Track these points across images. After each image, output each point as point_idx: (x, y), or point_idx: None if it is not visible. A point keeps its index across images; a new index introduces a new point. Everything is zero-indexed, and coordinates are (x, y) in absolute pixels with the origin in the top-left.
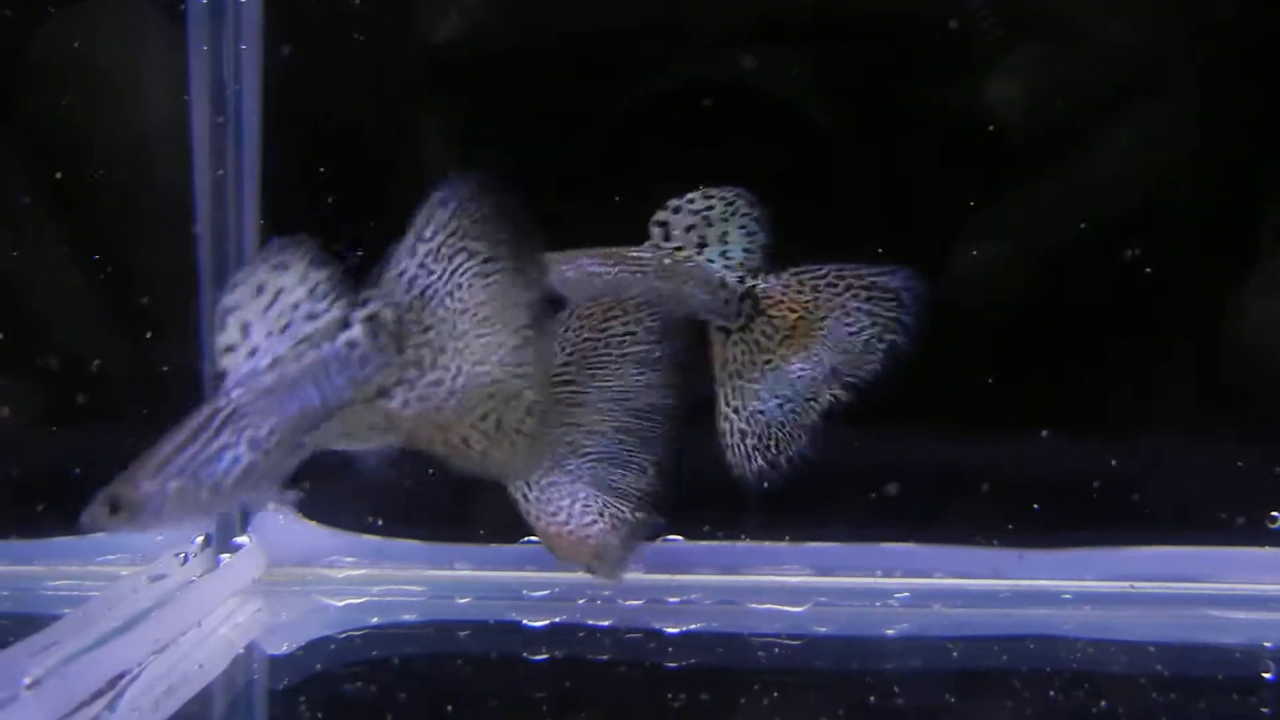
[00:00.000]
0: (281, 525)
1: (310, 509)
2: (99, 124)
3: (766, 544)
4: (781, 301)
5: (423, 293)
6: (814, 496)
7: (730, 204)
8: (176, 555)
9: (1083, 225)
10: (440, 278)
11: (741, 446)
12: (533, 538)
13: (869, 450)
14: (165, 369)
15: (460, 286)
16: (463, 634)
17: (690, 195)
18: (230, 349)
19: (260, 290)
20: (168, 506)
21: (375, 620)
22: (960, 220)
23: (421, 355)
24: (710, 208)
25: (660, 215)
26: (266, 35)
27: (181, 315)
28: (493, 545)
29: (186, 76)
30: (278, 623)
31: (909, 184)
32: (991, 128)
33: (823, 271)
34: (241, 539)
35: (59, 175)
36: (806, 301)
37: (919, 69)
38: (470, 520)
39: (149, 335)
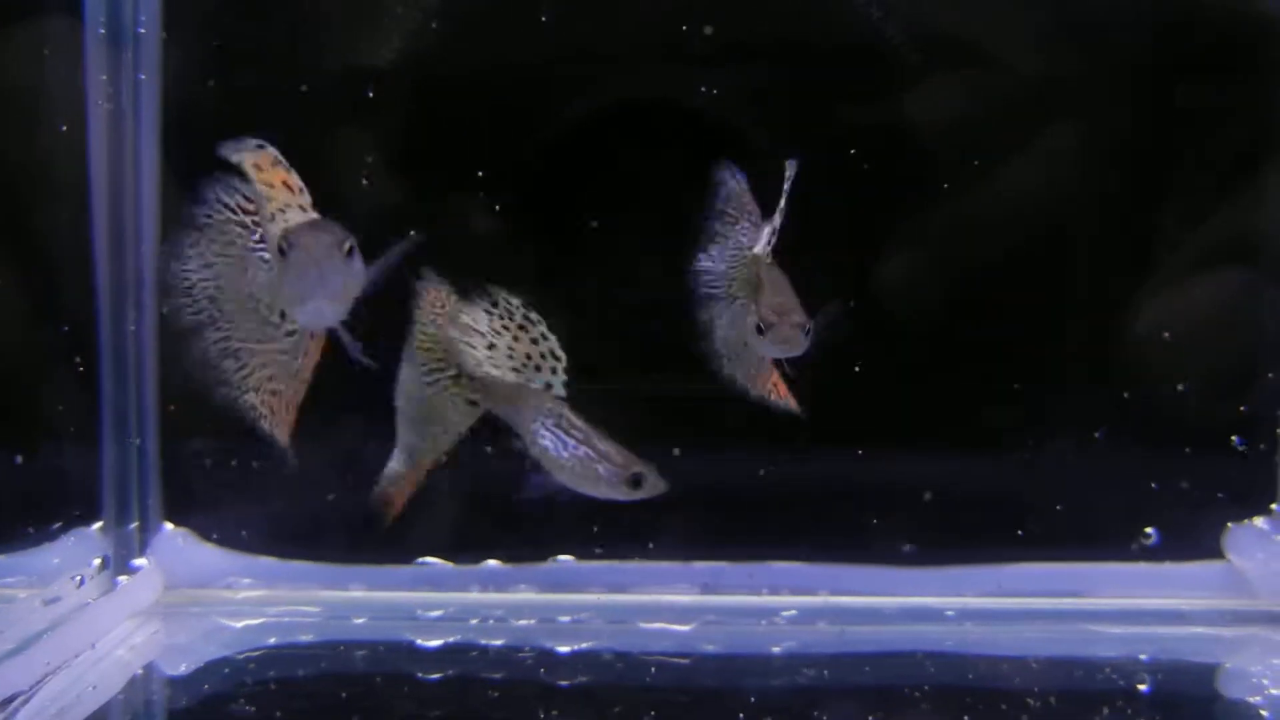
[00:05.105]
0: (180, 547)
1: (207, 531)
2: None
3: (655, 563)
4: None
5: None
6: (704, 515)
7: None
8: (73, 578)
9: (982, 243)
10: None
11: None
12: (427, 558)
13: (754, 468)
14: (68, 388)
15: None
16: (358, 654)
17: None
18: None
19: None
20: None
21: (272, 641)
22: (867, 237)
23: None
24: None
25: None
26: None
27: (85, 336)
28: (387, 566)
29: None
30: (176, 644)
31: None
32: (906, 149)
33: None
34: (140, 561)
35: None
36: None
37: (840, 89)
38: (365, 542)
39: (52, 357)
